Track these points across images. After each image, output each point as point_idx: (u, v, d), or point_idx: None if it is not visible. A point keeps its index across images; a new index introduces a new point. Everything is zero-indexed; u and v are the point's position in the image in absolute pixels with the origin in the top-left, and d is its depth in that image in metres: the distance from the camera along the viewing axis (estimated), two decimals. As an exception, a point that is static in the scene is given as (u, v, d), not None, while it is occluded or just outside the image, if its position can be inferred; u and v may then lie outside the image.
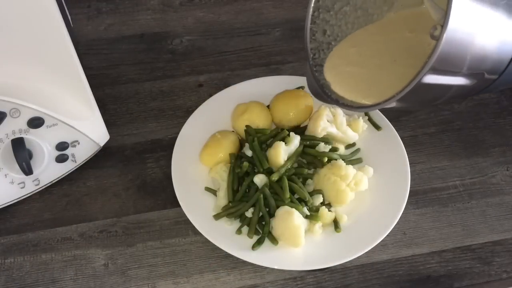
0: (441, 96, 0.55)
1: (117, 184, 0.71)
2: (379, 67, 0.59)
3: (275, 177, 0.64)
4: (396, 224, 0.63)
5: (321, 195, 0.65)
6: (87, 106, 0.66)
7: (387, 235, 0.63)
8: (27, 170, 0.62)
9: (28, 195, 0.67)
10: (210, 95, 0.77)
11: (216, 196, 0.67)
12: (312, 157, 0.68)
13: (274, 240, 0.62)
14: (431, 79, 0.46)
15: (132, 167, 0.72)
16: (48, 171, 0.66)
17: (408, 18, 0.61)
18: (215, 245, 0.61)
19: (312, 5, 0.61)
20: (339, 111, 0.72)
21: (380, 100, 0.51)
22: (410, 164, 0.69)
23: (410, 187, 0.67)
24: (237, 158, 0.67)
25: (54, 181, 0.68)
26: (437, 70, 0.46)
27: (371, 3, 0.62)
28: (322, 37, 0.63)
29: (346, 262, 0.62)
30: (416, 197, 0.69)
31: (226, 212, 0.64)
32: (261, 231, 0.63)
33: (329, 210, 0.64)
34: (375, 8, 0.62)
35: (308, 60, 0.62)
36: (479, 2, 0.46)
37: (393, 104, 0.50)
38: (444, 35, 0.43)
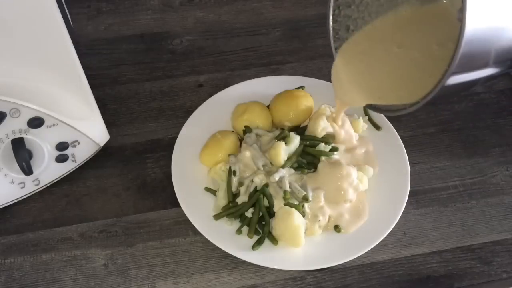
0: (470, 87, 0.54)
1: (117, 184, 0.71)
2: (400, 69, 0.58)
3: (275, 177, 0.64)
4: (396, 224, 0.63)
5: (321, 194, 0.65)
6: (87, 106, 0.66)
7: (387, 235, 0.63)
8: (27, 170, 0.62)
9: (28, 195, 0.67)
10: (210, 95, 0.77)
11: (216, 196, 0.67)
12: (312, 157, 0.68)
13: (274, 240, 0.62)
14: (456, 80, 0.45)
15: (132, 167, 0.72)
16: (48, 171, 0.66)
17: (429, 18, 0.59)
18: (215, 245, 0.61)
19: (332, 4, 0.60)
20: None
21: (411, 100, 0.51)
22: (410, 164, 0.69)
23: (410, 187, 0.67)
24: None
25: (54, 181, 0.68)
26: (460, 70, 0.44)
27: None
28: (346, 34, 0.62)
29: (346, 262, 0.62)
30: (416, 197, 0.69)
31: (226, 212, 0.64)
32: (261, 231, 0.63)
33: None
34: None
35: (334, 59, 0.63)
36: None
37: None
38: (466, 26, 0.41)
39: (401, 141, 0.71)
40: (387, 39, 0.60)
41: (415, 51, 0.58)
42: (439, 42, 0.55)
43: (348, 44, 0.63)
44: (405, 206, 0.65)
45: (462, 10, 0.41)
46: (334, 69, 0.64)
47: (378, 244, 0.62)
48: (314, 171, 0.67)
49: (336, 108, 0.68)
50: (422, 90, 0.49)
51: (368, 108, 0.61)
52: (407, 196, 0.66)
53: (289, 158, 0.66)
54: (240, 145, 0.70)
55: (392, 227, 0.63)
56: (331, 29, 0.62)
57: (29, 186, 0.66)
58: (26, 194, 0.67)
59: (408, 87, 0.55)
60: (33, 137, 0.62)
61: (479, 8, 0.41)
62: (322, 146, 0.68)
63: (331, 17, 0.61)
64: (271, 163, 0.66)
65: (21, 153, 0.61)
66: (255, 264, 0.61)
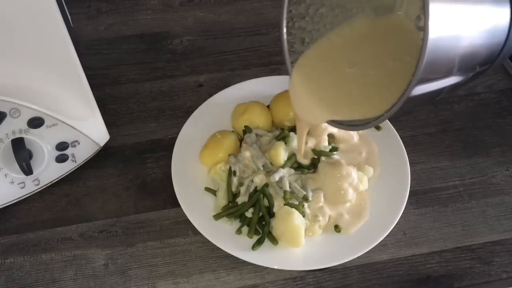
0: (434, 98, 0.52)
1: (117, 184, 0.71)
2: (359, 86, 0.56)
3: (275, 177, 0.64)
4: (396, 224, 0.63)
5: (321, 195, 0.65)
6: (87, 106, 0.66)
7: (387, 235, 0.63)
8: (27, 170, 0.62)
9: (28, 195, 0.67)
10: (210, 95, 0.77)
11: (216, 196, 0.67)
12: (312, 157, 0.68)
13: (274, 240, 0.62)
14: (420, 90, 0.44)
15: (132, 167, 0.72)
16: (48, 171, 0.66)
17: (384, 32, 0.57)
18: (215, 245, 0.61)
19: (285, 16, 0.57)
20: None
21: (373, 115, 0.49)
22: (410, 164, 0.69)
23: (410, 187, 0.67)
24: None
25: (54, 181, 0.68)
26: (424, 80, 0.43)
27: None
28: (301, 47, 0.59)
29: (346, 262, 0.62)
30: (416, 197, 0.69)
31: (226, 212, 0.64)
32: (261, 231, 0.63)
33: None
34: (353, 2, 0.58)
35: (290, 74, 0.60)
36: None
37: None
38: (429, 36, 0.39)
39: (401, 141, 0.71)
40: (339, 59, 0.58)
41: (368, 69, 0.55)
42: (395, 57, 0.53)
43: (303, 58, 0.59)
44: (405, 206, 0.65)
45: (424, 17, 0.39)
46: (291, 85, 0.60)
47: (378, 244, 0.62)
48: (314, 171, 0.67)
49: (297, 130, 0.64)
50: (384, 104, 0.47)
51: (331, 125, 0.57)
52: (407, 196, 0.66)
53: (289, 158, 0.66)
54: (240, 145, 0.70)
55: (392, 227, 0.63)
56: (285, 42, 0.58)
57: (29, 186, 0.66)
58: (26, 194, 0.67)
59: (369, 103, 0.52)
60: (33, 137, 0.62)
61: (441, 15, 0.40)
62: (322, 146, 0.68)
63: (284, 30, 0.58)
64: (271, 163, 0.66)
65: (21, 153, 0.61)
66: (255, 264, 0.61)
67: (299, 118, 0.62)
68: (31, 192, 0.67)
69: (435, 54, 0.41)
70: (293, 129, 0.72)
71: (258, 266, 0.62)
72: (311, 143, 0.68)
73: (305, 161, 0.67)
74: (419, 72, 0.41)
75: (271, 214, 0.64)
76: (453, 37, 0.43)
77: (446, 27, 0.41)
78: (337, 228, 0.64)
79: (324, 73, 0.58)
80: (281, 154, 0.65)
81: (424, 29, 0.39)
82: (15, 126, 0.60)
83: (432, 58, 0.41)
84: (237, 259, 0.61)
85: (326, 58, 0.59)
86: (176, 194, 0.65)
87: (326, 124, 0.68)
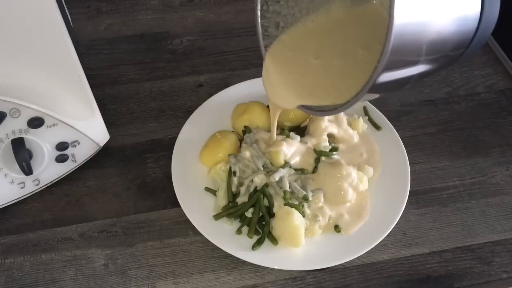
0: (402, 85, 0.51)
1: (117, 184, 0.71)
2: (325, 68, 0.56)
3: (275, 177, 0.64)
4: (396, 224, 0.63)
5: (321, 195, 0.65)
6: (87, 106, 0.66)
7: (387, 235, 0.63)
8: (27, 170, 0.62)
9: (28, 195, 0.67)
10: (210, 95, 0.77)
11: (216, 196, 0.67)
12: (312, 157, 0.68)
13: (274, 240, 0.62)
14: (386, 77, 0.43)
15: (132, 167, 0.72)
16: (48, 171, 0.66)
17: (358, 20, 0.56)
18: (215, 245, 0.61)
19: None
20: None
21: (341, 101, 0.49)
22: (410, 164, 0.69)
23: (410, 187, 0.67)
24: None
25: (54, 181, 0.68)
26: (389, 68, 0.42)
27: None
28: (275, 31, 0.59)
29: (346, 262, 0.62)
30: (416, 197, 0.69)
31: (226, 212, 0.64)
32: (261, 231, 0.63)
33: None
34: None
35: (263, 59, 0.60)
36: None
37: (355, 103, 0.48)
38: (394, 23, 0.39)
39: (401, 141, 0.71)
40: (307, 48, 0.58)
41: (334, 59, 0.55)
42: (365, 46, 0.53)
43: (277, 44, 0.59)
44: (405, 206, 0.65)
45: (390, 2, 0.39)
46: (264, 69, 0.60)
47: (378, 244, 0.62)
48: (314, 171, 0.67)
49: (270, 113, 0.65)
50: (351, 91, 0.47)
51: (301, 109, 0.58)
52: (407, 196, 0.66)
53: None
54: (240, 145, 0.70)
55: (392, 227, 0.63)
56: (259, 25, 0.58)
57: (29, 186, 0.66)
58: (26, 194, 0.67)
59: (336, 91, 0.53)
60: (33, 137, 0.62)
61: (408, 2, 0.40)
62: (322, 146, 0.68)
63: (259, 13, 0.57)
64: (271, 163, 0.66)
65: (21, 153, 0.61)
66: (255, 264, 0.61)
67: (271, 101, 0.63)
68: (31, 192, 0.67)
69: (402, 39, 0.40)
70: (293, 129, 0.72)
71: (258, 266, 0.62)
72: (311, 143, 0.68)
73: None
74: (385, 57, 0.41)
75: (271, 214, 0.64)
76: (421, 23, 0.42)
77: (414, 12, 0.41)
78: (337, 228, 0.64)
79: (294, 62, 0.58)
80: (281, 154, 0.65)
81: (389, 12, 0.39)
82: (15, 126, 0.60)
83: (398, 44, 0.40)
84: (237, 259, 0.61)
85: (296, 47, 0.58)
86: (176, 194, 0.65)
87: (326, 124, 0.69)
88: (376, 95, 0.50)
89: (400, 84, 0.49)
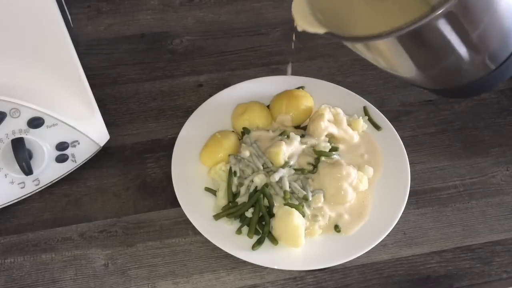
0: (435, 61, 0.48)
1: (117, 184, 0.71)
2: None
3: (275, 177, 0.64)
4: (396, 224, 0.63)
5: (321, 195, 0.65)
6: (87, 106, 0.66)
7: (387, 235, 0.63)
8: (27, 170, 0.62)
9: (28, 195, 0.67)
10: (210, 95, 0.77)
11: (216, 196, 0.67)
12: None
13: (274, 240, 0.62)
14: (442, 24, 0.41)
15: (132, 167, 0.72)
16: (48, 171, 0.66)
17: None
18: (215, 245, 0.61)
19: None
20: (339, 110, 0.72)
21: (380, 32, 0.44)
22: (410, 164, 0.69)
23: (410, 187, 0.67)
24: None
25: (54, 181, 0.68)
26: (451, 16, 0.40)
27: None
28: None
29: (346, 262, 0.62)
30: (416, 197, 0.69)
31: (226, 212, 0.64)
32: (261, 231, 0.63)
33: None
34: None
35: None
36: None
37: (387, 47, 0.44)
38: None
39: (401, 141, 0.71)
40: None
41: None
42: None
43: None
44: (405, 206, 0.65)
45: None
46: None
47: (378, 244, 0.62)
48: (314, 171, 0.67)
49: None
50: (399, 21, 0.42)
51: (327, 36, 0.51)
52: (407, 196, 0.66)
53: (289, 158, 0.66)
54: (240, 145, 0.70)
55: (392, 227, 0.63)
56: None
57: (29, 186, 0.66)
58: (26, 194, 0.67)
59: (382, 18, 0.47)
60: (33, 137, 0.62)
61: None
62: (322, 146, 0.68)
63: None
64: (271, 163, 0.66)
65: (21, 153, 0.61)
66: (255, 264, 0.61)
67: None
68: (31, 192, 0.67)
69: None
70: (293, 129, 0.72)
71: (258, 266, 0.62)
72: (311, 143, 0.68)
73: None
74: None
75: (271, 214, 0.64)
76: None
77: None
78: (337, 228, 0.64)
79: None
80: (281, 154, 0.65)
81: None
82: (15, 126, 0.60)
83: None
84: (237, 259, 0.61)
85: None
86: (176, 194, 0.65)
87: (326, 124, 0.69)
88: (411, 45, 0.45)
89: (435, 54, 0.45)
